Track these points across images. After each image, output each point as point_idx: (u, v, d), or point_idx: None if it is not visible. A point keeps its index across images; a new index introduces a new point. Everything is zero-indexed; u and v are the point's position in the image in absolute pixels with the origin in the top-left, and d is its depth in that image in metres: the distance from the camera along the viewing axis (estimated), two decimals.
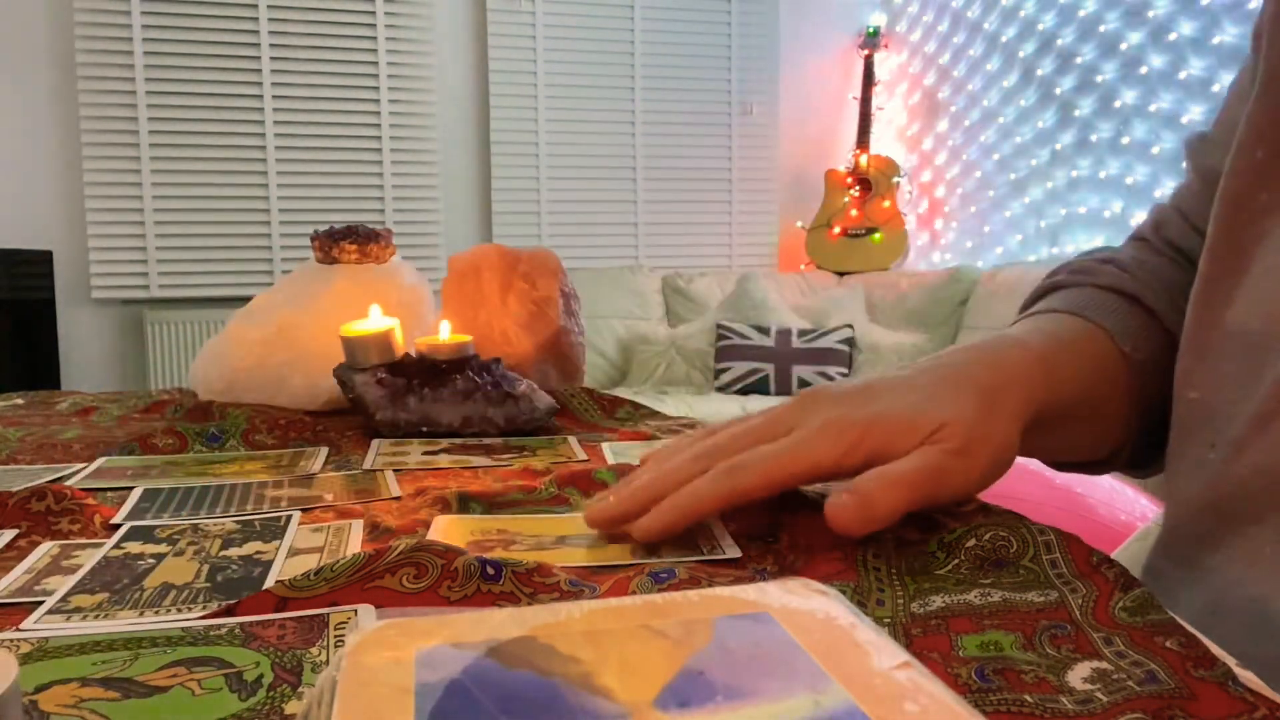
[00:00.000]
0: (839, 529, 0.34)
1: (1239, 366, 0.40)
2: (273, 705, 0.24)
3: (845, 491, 0.35)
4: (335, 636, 0.28)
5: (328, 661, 0.26)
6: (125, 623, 0.31)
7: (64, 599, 0.33)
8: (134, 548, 0.39)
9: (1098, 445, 0.49)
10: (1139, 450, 0.50)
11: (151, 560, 0.37)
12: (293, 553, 0.38)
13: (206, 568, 0.36)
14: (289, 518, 0.43)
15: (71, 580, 0.35)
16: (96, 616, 0.31)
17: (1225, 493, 0.40)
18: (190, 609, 0.32)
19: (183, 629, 0.29)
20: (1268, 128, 0.41)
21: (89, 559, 0.37)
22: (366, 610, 0.30)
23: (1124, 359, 0.46)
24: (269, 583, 0.35)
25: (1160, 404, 0.47)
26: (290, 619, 0.29)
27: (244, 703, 0.24)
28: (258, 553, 0.38)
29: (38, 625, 0.31)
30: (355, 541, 0.40)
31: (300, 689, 0.25)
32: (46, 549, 0.39)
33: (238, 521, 0.43)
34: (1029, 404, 0.40)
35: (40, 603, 0.33)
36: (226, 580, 0.35)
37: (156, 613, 0.32)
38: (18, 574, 0.36)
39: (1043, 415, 0.42)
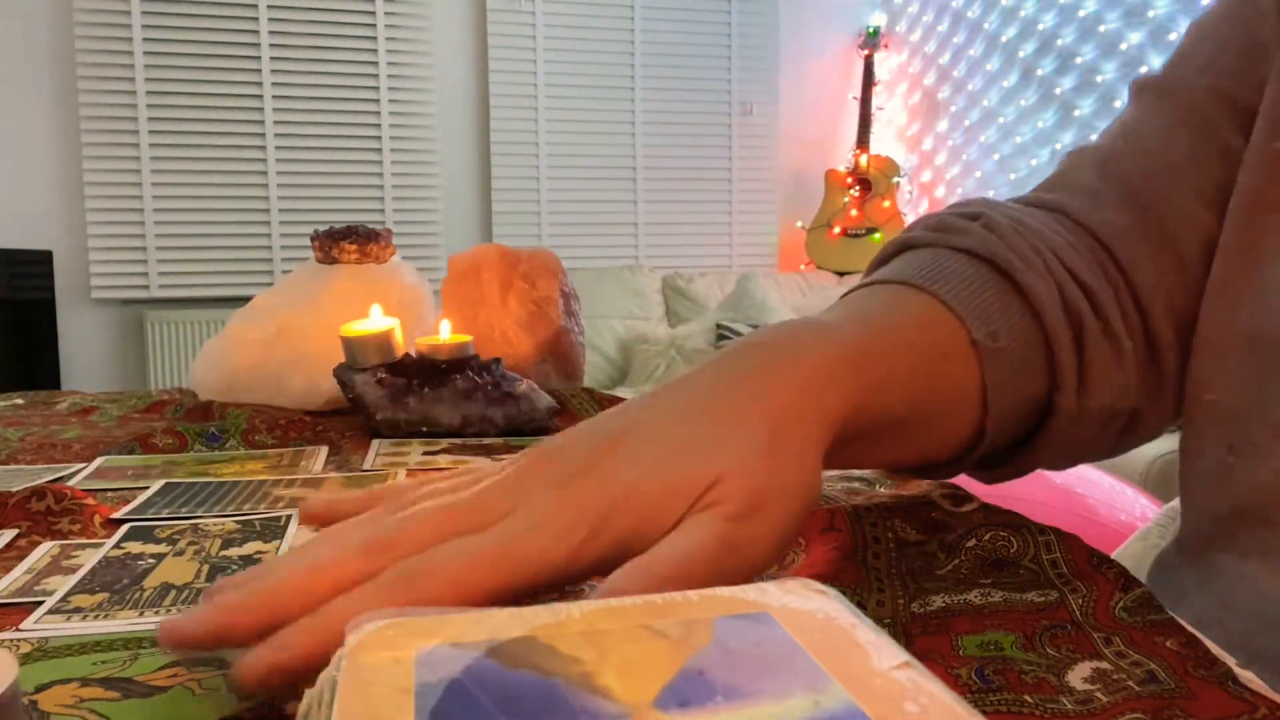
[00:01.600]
0: None
1: (1256, 371, 0.39)
2: (271, 705, 0.24)
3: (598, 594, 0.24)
4: None
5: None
6: (125, 623, 0.31)
7: (64, 599, 0.33)
8: (134, 548, 0.39)
9: (936, 450, 0.39)
10: (992, 451, 0.40)
11: (151, 560, 0.37)
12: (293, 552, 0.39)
13: (206, 568, 0.37)
14: (289, 517, 0.43)
15: (72, 580, 0.35)
16: (97, 616, 0.31)
17: (1245, 498, 0.39)
18: (191, 609, 0.32)
19: None
20: None
21: (89, 559, 0.37)
22: None
23: (974, 348, 0.36)
24: None
25: (1019, 399, 0.38)
26: None
27: (244, 701, 0.24)
28: (258, 553, 0.38)
29: (38, 625, 0.31)
30: None
31: (299, 687, 0.25)
32: (47, 549, 0.39)
33: (238, 521, 0.43)
34: (830, 424, 0.31)
35: (40, 603, 0.33)
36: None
37: (156, 613, 0.32)
38: (18, 574, 0.36)
39: (853, 428, 0.32)
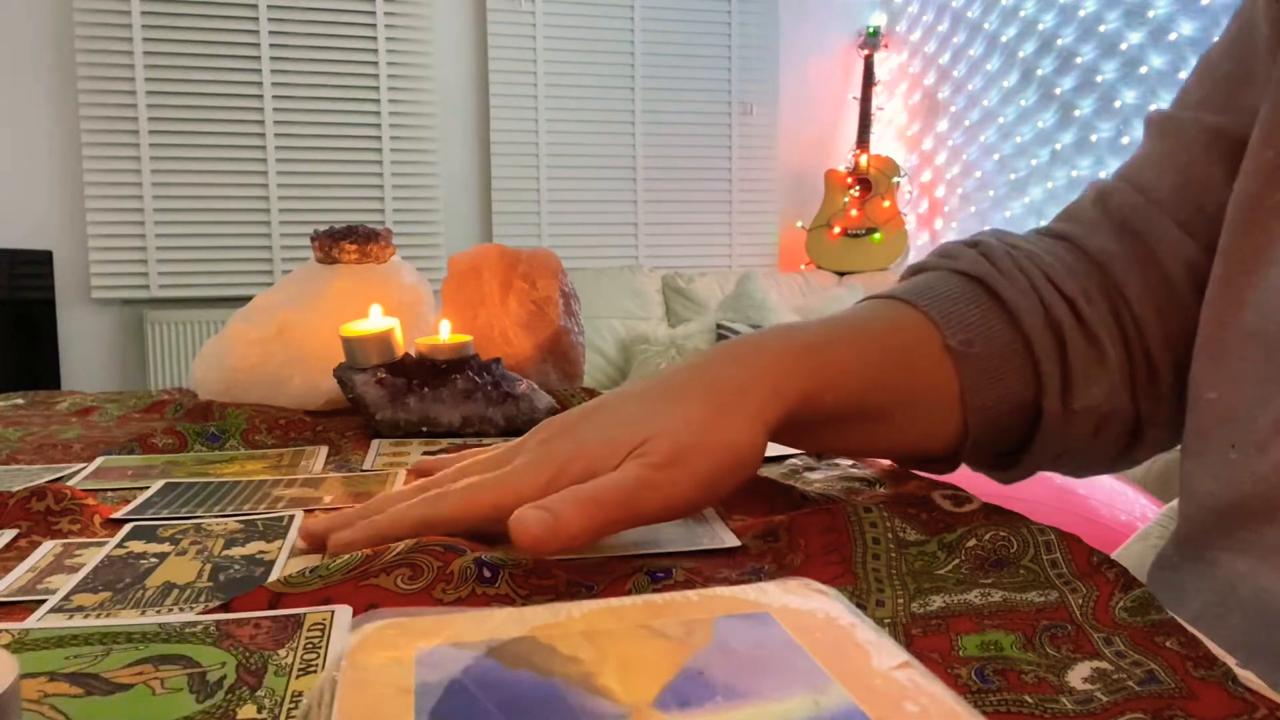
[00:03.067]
0: (525, 546, 0.33)
1: (1258, 368, 0.40)
2: (227, 709, 0.24)
3: (534, 507, 0.33)
4: (307, 638, 0.28)
5: (294, 664, 0.26)
6: (125, 622, 0.31)
7: (66, 598, 0.33)
8: (137, 547, 0.39)
9: (920, 443, 0.44)
10: (986, 453, 0.46)
11: (154, 559, 0.37)
12: (295, 552, 0.39)
13: (209, 567, 0.37)
14: (292, 517, 0.43)
15: (74, 579, 0.35)
16: (99, 615, 0.31)
17: (1245, 492, 0.40)
18: (192, 608, 0.32)
19: (159, 625, 0.29)
20: (1279, 129, 0.41)
21: (92, 558, 0.38)
22: (343, 611, 0.30)
23: (948, 351, 0.42)
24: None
25: (1000, 402, 0.43)
26: (267, 618, 0.29)
27: (200, 705, 0.24)
28: (260, 552, 0.38)
29: (39, 624, 0.31)
30: None
31: (259, 692, 0.25)
32: (49, 548, 0.39)
33: (240, 521, 0.43)
34: (777, 399, 0.38)
35: (43, 601, 0.33)
36: (229, 580, 0.35)
37: (158, 611, 0.32)
38: (20, 572, 0.36)
39: (815, 409, 0.39)
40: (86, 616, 0.31)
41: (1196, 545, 0.43)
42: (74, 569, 0.36)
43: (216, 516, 0.44)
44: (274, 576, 0.35)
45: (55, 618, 0.31)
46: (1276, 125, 0.41)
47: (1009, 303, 0.44)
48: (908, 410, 0.42)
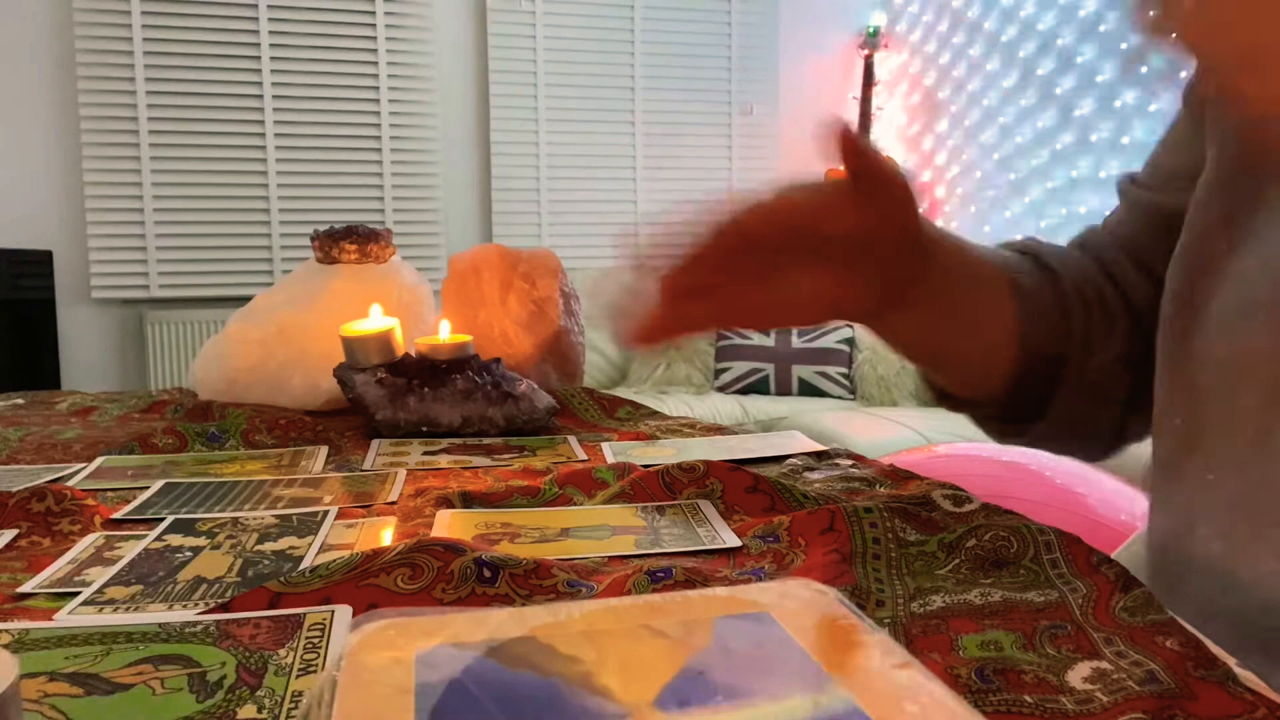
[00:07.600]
0: None
1: (1217, 392, 0.42)
2: (227, 709, 0.24)
3: None
4: (307, 638, 0.28)
5: (294, 663, 0.26)
6: (152, 616, 0.31)
7: (99, 590, 0.34)
8: (175, 540, 0.39)
9: (978, 363, 0.53)
10: (1017, 400, 0.54)
11: (189, 553, 0.38)
12: (325, 548, 0.39)
13: (240, 562, 0.37)
14: (325, 513, 0.43)
15: (110, 571, 0.36)
16: (127, 609, 0.32)
17: (1230, 501, 0.40)
18: (218, 603, 0.32)
19: (159, 625, 0.29)
20: (1216, 194, 0.47)
21: (131, 550, 0.38)
22: (343, 611, 0.30)
23: (1011, 286, 0.53)
24: None
25: (1040, 344, 0.52)
26: (267, 618, 0.29)
27: (200, 704, 0.24)
28: (291, 548, 0.39)
29: (70, 617, 0.31)
30: (389, 539, 0.40)
31: (259, 692, 0.25)
32: (92, 539, 0.40)
33: (276, 516, 0.43)
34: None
35: (77, 593, 0.33)
36: (257, 575, 0.35)
37: (185, 606, 0.32)
38: (62, 564, 0.37)
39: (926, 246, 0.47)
40: (116, 610, 0.32)
41: (1170, 573, 0.44)
42: (112, 561, 0.37)
43: (254, 512, 0.44)
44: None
45: (88, 610, 0.32)
46: (1216, 189, 0.46)
47: (1058, 273, 0.55)
48: (976, 312, 0.52)
